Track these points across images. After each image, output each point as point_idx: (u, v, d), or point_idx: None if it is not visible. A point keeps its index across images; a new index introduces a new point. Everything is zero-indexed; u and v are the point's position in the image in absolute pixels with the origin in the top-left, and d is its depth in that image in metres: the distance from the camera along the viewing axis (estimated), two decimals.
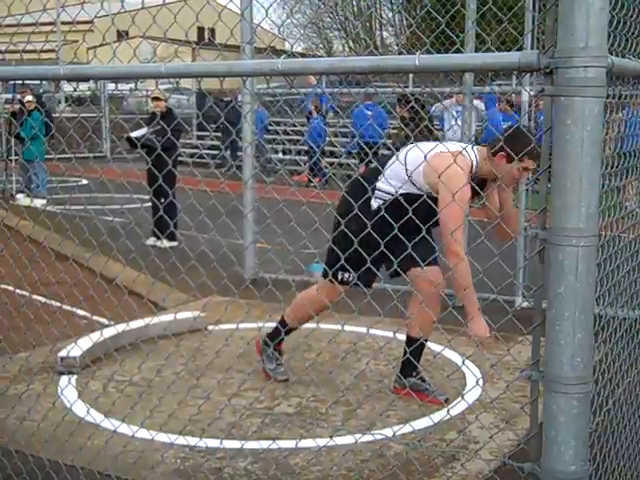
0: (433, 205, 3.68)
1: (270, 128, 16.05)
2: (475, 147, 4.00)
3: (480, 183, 3.89)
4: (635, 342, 2.79)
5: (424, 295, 4.00)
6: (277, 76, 2.26)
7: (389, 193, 3.97)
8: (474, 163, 3.87)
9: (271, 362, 4.59)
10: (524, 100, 6.24)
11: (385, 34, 30.37)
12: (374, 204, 4.00)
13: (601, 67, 1.76)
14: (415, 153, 3.86)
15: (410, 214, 2.75)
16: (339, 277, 4.14)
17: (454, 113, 11.34)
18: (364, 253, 2.93)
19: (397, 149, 4.37)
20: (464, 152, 3.81)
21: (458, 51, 3.00)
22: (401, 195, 3.78)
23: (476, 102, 10.10)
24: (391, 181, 3.96)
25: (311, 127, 14.82)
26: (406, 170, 3.88)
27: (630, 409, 2.73)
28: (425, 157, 3.50)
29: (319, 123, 14.62)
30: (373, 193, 4.01)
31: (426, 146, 3.81)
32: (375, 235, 2.98)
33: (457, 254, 3.71)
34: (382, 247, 2.83)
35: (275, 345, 4.56)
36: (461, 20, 7.75)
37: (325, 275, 4.24)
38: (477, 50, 6.22)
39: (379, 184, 4.03)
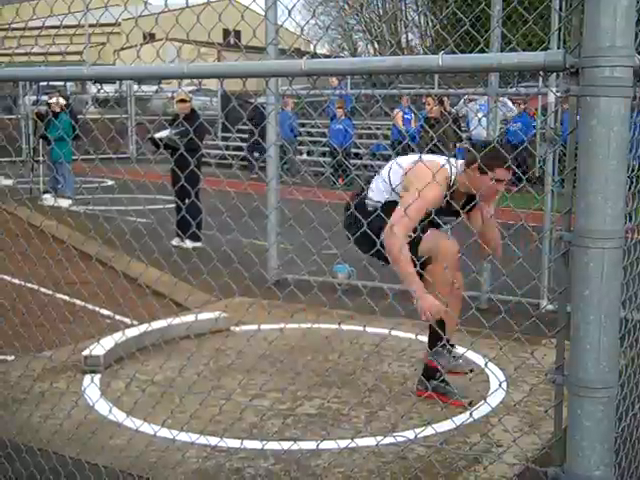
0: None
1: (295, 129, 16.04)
2: (458, 161, 4.12)
3: (470, 199, 4.03)
4: None
5: (441, 256, 3.96)
6: (300, 77, 2.25)
7: (378, 202, 4.09)
8: (452, 176, 3.98)
9: (443, 358, 4.17)
10: (550, 101, 6.19)
11: (410, 36, 30.31)
12: (369, 208, 4.11)
13: (628, 67, 1.73)
14: (394, 168, 4.09)
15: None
16: None
17: (477, 107, 11.31)
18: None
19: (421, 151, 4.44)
20: (443, 163, 3.94)
21: (483, 52, 2.97)
22: (391, 201, 3.93)
23: (504, 99, 10.03)
24: (378, 192, 4.12)
25: (335, 129, 14.82)
26: (390, 185, 4.05)
27: None
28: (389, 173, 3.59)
29: (347, 124, 14.64)
30: (364, 205, 4.13)
31: (405, 159, 4.12)
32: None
33: (393, 236, 3.76)
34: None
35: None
36: (487, 21, 7.71)
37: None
38: (503, 52, 6.18)
39: (369, 194, 4.17)
